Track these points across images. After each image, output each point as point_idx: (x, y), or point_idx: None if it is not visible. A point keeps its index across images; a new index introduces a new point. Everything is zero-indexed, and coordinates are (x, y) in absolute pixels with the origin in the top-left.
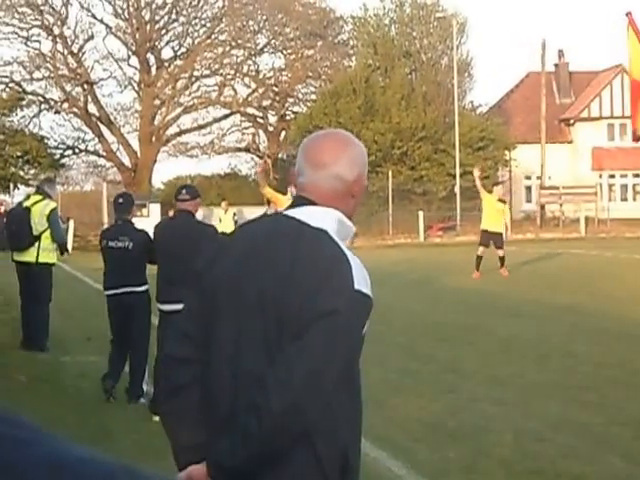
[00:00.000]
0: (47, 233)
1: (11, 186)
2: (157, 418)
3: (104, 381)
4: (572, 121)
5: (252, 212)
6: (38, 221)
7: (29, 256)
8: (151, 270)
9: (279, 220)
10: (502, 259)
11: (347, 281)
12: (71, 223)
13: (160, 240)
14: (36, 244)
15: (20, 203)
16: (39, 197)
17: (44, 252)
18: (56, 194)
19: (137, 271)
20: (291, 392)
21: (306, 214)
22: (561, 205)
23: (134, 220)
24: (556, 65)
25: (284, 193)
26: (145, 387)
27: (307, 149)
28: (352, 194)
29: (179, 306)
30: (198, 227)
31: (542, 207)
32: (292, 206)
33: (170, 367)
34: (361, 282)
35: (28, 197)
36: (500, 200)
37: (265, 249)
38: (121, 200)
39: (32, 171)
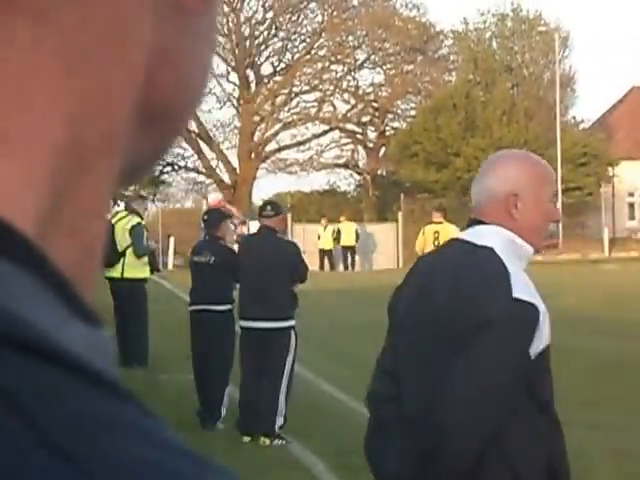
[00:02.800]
0: (132, 248)
1: (111, 202)
2: (247, 439)
3: (201, 419)
4: None
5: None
6: (121, 237)
7: (115, 272)
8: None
9: (452, 245)
10: None
11: (502, 289)
12: (171, 240)
13: (244, 256)
14: (121, 260)
15: (109, 220)
16: (124, 213)
17: (129, 267)
18: (145, 210)
19: (219, 288)
20: (457, 408)
21: (472, 234)
22: None
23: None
24: None
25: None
26: (224, 411)
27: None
28: (507, 209)
29: (260, 324)
30: (280, 244)
31: None
32: (465, 229)
33: (374, 403)
34: (520, 290)
35: (116, 214)
36: None
37: (438, 273)
38: (206, 217)
39: (131, 187)
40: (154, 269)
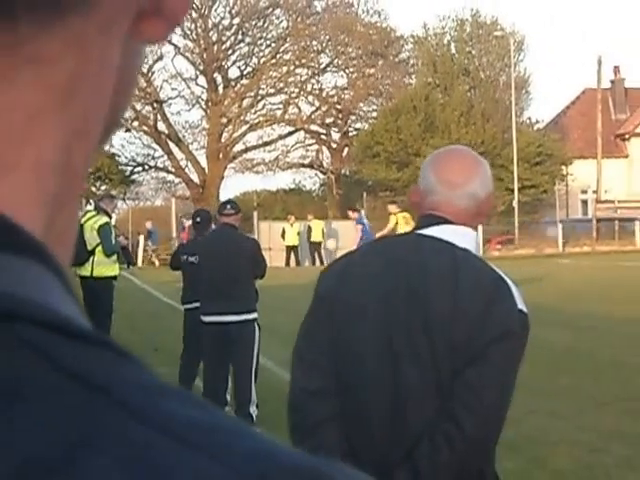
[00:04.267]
0: (101, 247)
1: (83, 202)
2: None
3: None
4: (628, 136)
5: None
6: (89, 236)
7: (85, 270)
8: None
9: (421, 240)
10: None
11: (512, 301)
12: (141, 238)
13: (204, 253)
14: (91, 258)
15: (78, 220)
16: (93, 213)
17: (99, 266)
18: (113, 209)
19: None
20: (483, 417)
21: (448, 233)
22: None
23: None
24: (612, 81)
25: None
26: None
27: (439, 167)
28: (481, 212)
29: (225, 317)
30: (241, 240)
31: (598, 221)
32: (425, 225)
33: (305, 401)
34: (520, 301)
35: (85, 213)
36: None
37: (417, 270)
38: (199, 219)
39: (103, 187)
40: (129, 263)
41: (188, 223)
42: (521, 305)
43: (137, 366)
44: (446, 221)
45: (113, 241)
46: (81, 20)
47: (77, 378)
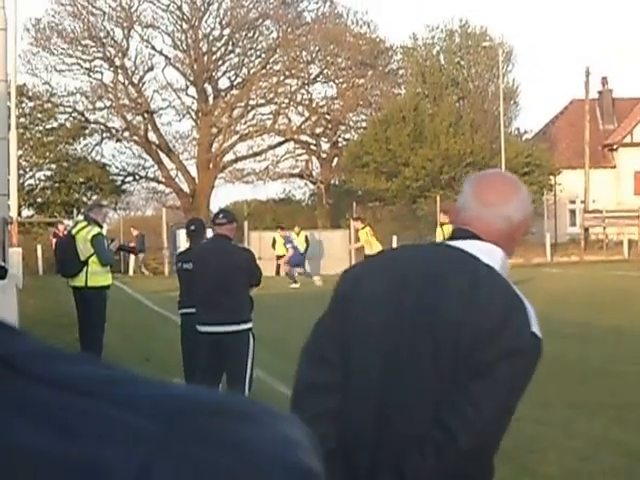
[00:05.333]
0: (94, 257)
1: (75, 211)
2: None
3: None
4: (615, 146)
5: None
6: (83, 247)
7: (79, 281)
8: None
9: (445, 249)
10: None
11: (525, 322)
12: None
13: (198, 263)
14: (84, 269)
15: (70, 231)
16: (84, 224)
17: (93, 276)
18: (103, 218)
19: None
20: (479, 430)
21: (475, 248)
22: (604, 228)
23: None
24: (600, 92)
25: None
26: None
27: (477, 186)
28: (514, 236)
29: (219, 328)
30: (235, 251)
31: (586, 230)
32: (455, 237)
33: (307, 394)
34: (535, 324)
35: (76, 224)
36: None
37: (434, 277)
38: (193, 227)
39: (94, 197)
40: (137, 252)
41: (136, 232)
42: (535, 328)
43: (31, 339)
44: (476, 237)
45: (107, 250)
46: None
47: None
